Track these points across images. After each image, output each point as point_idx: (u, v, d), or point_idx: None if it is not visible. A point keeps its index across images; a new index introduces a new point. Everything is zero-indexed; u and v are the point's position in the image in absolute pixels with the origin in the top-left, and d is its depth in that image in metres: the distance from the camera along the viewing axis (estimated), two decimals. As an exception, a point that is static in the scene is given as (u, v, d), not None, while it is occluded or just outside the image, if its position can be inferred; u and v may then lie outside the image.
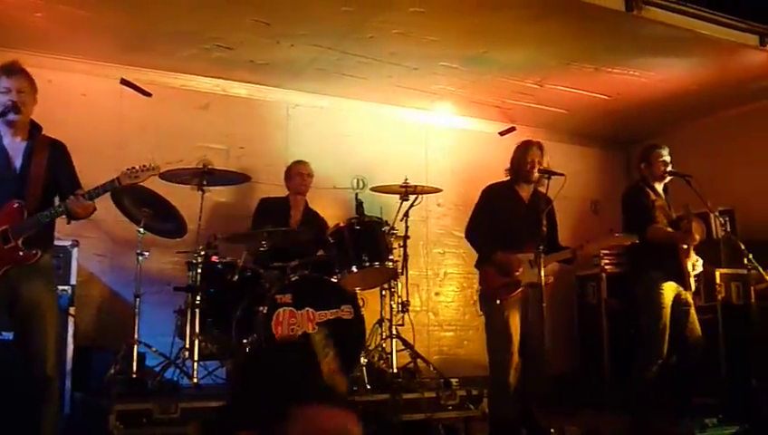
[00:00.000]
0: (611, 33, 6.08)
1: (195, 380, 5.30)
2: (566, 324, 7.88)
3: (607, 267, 7.58)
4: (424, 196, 6.48)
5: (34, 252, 4.08)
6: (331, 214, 6.66)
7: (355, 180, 7.29)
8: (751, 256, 5.60)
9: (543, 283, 4.95)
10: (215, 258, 5.64)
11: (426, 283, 7.79)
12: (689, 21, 5.90)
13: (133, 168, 4.23)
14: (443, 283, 7.92)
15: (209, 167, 5.58)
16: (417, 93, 7.38)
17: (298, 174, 6.50)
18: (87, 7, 5.49)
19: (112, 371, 5.16)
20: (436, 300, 7.86)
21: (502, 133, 8.23)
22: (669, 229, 5.63)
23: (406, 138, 7.89)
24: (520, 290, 5.15)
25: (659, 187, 5.82)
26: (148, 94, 6.62)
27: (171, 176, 5.54)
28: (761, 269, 5.67)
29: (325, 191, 7.04)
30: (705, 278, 6.07)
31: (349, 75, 6.87)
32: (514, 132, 8.07)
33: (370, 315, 6.00)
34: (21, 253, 4.04)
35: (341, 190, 7.15)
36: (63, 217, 4.18)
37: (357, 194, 6.19)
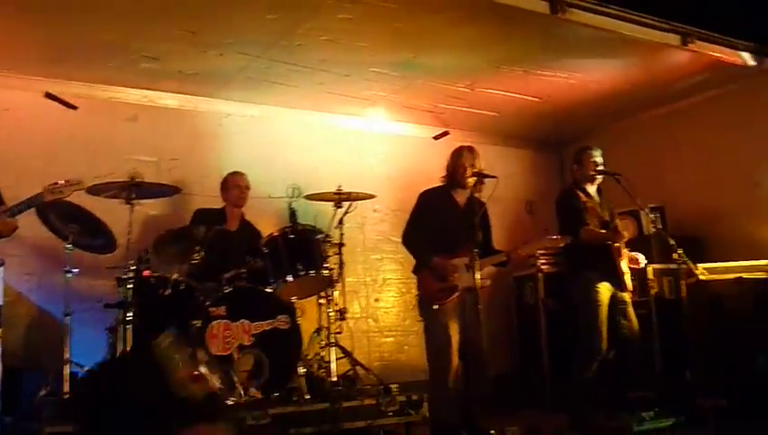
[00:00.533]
0: (538, 36, 6.14)
1: (128, 398, 5.17)
2: (505, 325, 7.94)
3: (543, 267, 7.64)
4: (359, 202, 6.42)
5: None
6: (268, 223, 6.53)
7: (290, 189, 7.20)
8: (681, 251, 5.71)
9: (479, 286, 4.97)
10: (147, 273, 5.52)
11: (365, 289, 7.75)
12: (613, 22, 5.98)
13: (56, 183, 4.16)
14: (382, 289, 7.89)
15: (137, 179, 5.44)
16: (349, 100, 7.35)
17: (236, 186, 6.38)
18: (6, 19, 5.34)
19: (43, 392, 5.02)
20: (375, 306, 7.81)
21: (436, 137, 8.26)
22: (601, 230, 5.72)
23: (340, 145, 7.85)
24: (457, 295, 5.17)
25: (592, 188, 5.91)
26: (75, 107, 6.47)
27: (98, 190, 5.36)
28: (691, 263, 5.80)
29: (260, 201, 6.94)
30: (639, 274, 6.17)
31: (279, 83, 6.81)
32: (448, 136, 8.12)
33: (309, 324, 5.97)
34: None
35: (277, 200, 7.06)
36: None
37: (290, 202, 6.14)
